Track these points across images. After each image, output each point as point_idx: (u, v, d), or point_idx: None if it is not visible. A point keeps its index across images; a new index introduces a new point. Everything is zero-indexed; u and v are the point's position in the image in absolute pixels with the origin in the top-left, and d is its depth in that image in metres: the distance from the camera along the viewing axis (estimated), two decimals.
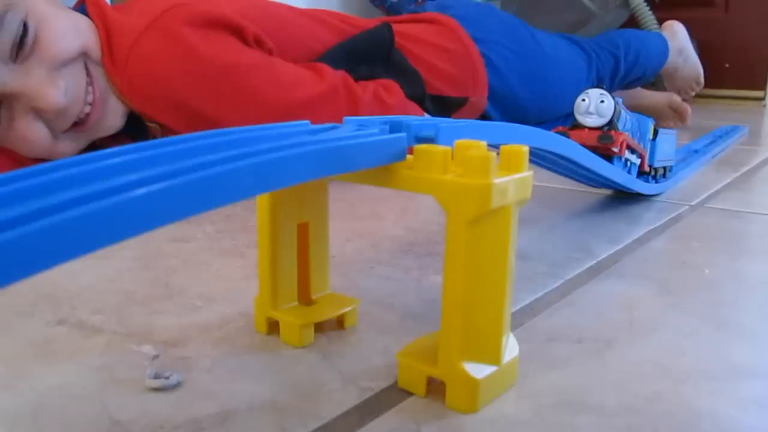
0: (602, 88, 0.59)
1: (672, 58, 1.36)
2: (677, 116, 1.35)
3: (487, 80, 0.93)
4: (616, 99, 0.59)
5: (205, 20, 0.66)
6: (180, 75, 0.64)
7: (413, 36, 0.88)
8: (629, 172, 0.63)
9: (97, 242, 0.17)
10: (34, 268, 0.16)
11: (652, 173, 0.70)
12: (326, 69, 0.71)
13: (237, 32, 0.69)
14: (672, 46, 1.36)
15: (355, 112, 0.69)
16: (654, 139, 0.68)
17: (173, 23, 0.65)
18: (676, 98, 1.36)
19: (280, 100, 0.66)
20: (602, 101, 0.58)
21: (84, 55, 0.66)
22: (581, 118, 0.59)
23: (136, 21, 0.66)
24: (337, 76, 0.70)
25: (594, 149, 0.56)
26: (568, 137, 0.55)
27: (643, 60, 1.26)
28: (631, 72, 1.24)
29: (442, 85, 0.86)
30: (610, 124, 0.58)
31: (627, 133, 0.60)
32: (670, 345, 0.33)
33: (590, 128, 0.58)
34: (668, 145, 0.72)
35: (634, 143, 0.62)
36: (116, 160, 0.21)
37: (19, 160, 0.66)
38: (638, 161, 0.65)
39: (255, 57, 0.68)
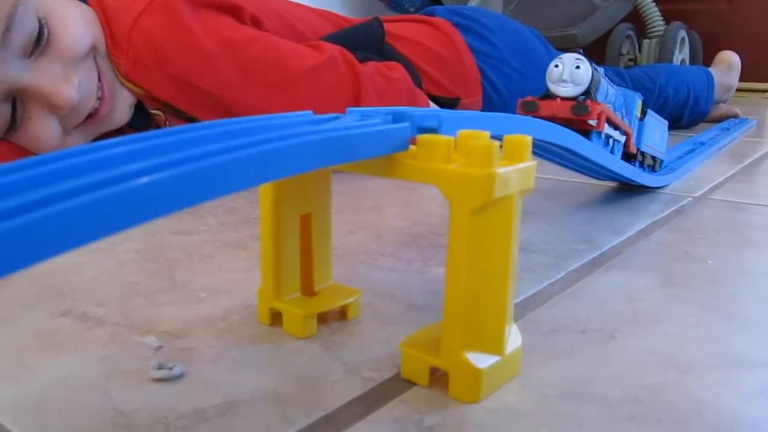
0: (579, 53, 0.51)
1: (717, 97, 1.24)
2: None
3: (481, 88, 0.90)
4: (596, 66, 0.52)
5: (202, 0, 0.67)
6: (180, 52, 0.64)
7: (403, 36, 0.87)
8: (612, 151, 0.57)
9: (100, 231, 0.17)
10: (37, 257, 0.16)
11: (640, 158, 0.65)
12: (323, 43, 0.72)
13: (234, 12, 0.69)
14: (719, 82, 1.24)
15: (357, 83, 0.68)
16: (642, 118, 0.63)
17: (172, 1, 0.65)
18: (719, 108, 1.29)
19: (280, 71, 0.66)
20: (578, 67, 0.50)
21: (93, 50, 0.66)
22: (553, 87, 0.51)
23: (134, 3, 0.66)
24: (334, 49, 0.70)
25: (568, 123, 0.50)
26: (536, 108, 0.50)
27: (685, 100, 1.16)
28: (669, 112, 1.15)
29: (429, 87, 0.85)
30: (587, 94, 0.50)
31: (608, 105, 0.53)
32: (673, 336, 0.33)
33: (563, 98, 0.50)
34: (659, 133, 0.67)
35: (616, 118, 0.55)
36: (119, 149, 0.21)
37: (18, 151, 0.66)
38: (623, 138, 0.59)
39: (252, 31, 0.69)
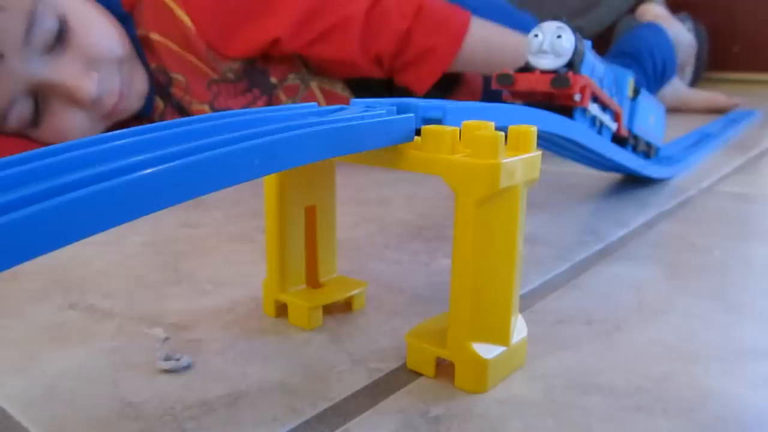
0: (561, 21, 0.46)
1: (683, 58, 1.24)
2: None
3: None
4: (580, 37, 0.46)
5: None
6: None
7: None
8: (600, 133, 0.52)
9: (105, 222, 0.17)
10: (43, 248, 0.16)
11: (632, 142, 0.61)
12: None
13: None
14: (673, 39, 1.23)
15: None
16: (634, 98, 0.58)
17: None
18: (719, 99, 1.27)
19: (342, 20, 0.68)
20: (559, 36, 0.45)
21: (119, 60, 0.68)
22: (533, 59, 0.45)
23: None
24: None
25: (548, 98, 0.46)
26: (512, 81, 0.46)
27: (661, 56, 1.14)
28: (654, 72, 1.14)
29: None
30: (570, 66, 0.45)
31: (595, 81, 0.48)
32: (679, 326, 0.33)
33: (543, 71, 0.45)
34: (655, 117, 0.64)
35: (603, 94, 0.50)
36: (124, 141, 0.21)
37: (26, 144, 0.67)
38: (614, 125, 0.54)
39: None
